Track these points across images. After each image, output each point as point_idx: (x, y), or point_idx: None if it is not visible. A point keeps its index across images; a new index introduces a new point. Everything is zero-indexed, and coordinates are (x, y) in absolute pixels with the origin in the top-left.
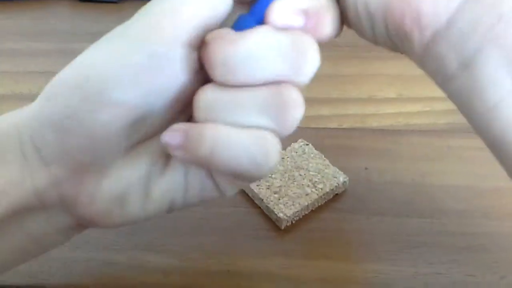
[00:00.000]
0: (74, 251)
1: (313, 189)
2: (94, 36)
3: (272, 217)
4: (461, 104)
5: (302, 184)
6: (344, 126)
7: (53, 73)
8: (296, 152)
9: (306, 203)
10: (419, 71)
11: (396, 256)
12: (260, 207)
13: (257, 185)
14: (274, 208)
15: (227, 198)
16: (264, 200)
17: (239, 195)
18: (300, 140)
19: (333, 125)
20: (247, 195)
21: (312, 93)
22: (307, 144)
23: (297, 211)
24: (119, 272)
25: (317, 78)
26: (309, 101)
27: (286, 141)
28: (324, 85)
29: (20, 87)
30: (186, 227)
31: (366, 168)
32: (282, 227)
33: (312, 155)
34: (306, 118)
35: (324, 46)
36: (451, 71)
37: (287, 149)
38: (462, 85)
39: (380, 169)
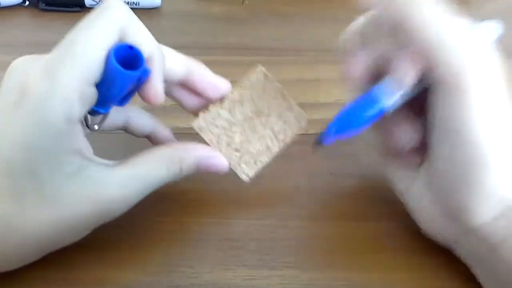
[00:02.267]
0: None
1: (274, 141)
2: None
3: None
4: None
5: (264, 136)
6: (311, 131)
7: None
8: (255, 90)
9: (267, 159)
10: None
11: (365, 262)
12: None
13: (217, 142)
14: (237, 169)
15: None
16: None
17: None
18: (258, 68)
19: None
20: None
21: None
22: (266, 76)
23: (259, 170)
24: None
25: (283, 83)
26: None
27: (240, 68)
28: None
29: None
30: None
31: (331, 173)
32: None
33: (273, 93)
34: None
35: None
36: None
37: (244, 82)
38: None
39: (346, 174)
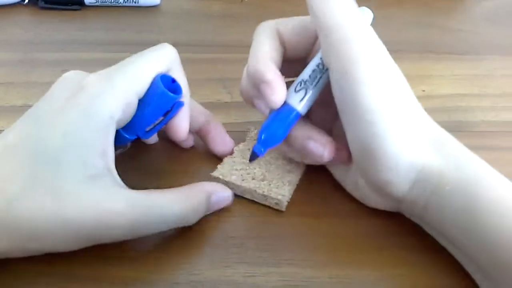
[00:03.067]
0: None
1: (293, 165)
2: (56, 45)
3: (270, 203)
4: None
5: (278, 165)
6: None
7: (13, 84)
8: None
9: (297, 177)
10: None
11: (364, 259)
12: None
13: (242, 180)
14: (271, 193)
15: None
16: (258, 190)
17: None
18: (251, 128)
19: None
20: None
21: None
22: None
23: (290, 188)
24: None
25: None
26: None
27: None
28: None
29: None
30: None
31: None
32: (284, 209)
33: None
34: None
35: None
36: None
37: (246, 140)
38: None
39: None
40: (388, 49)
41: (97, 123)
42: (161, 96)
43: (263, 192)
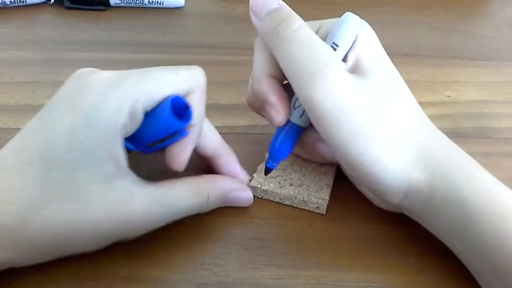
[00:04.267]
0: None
1: (326, 167)
2: (82, 45)
3: (310, 208)
4: None
5: (313, 168)
6: None
7: (40, 83)
8: None
9: (331, 179)
10: None
11: (391, 263)
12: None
13: (281, 187)
14: (311, 197)
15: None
16: (298, 196)
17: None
18: None
19: None
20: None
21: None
22: None
23: (328, 191)
24: None
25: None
26: None
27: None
28: None
29: (6, 98)
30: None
31: None
32: (324, 212)
33: None
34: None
35: None
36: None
37: None
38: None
39: None
40: (409, 54)
41: (102, 128)
42: (165, 120)
43: (303, 197)
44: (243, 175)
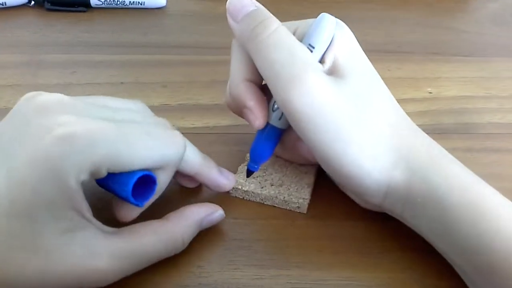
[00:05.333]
0: None
1: (308, 166)
2: (63, 47)
3: (291, 208)
4: None
5: (294, 167)
6: None
7: (20, 86)
8: None
9: (312, 179)
10: None
11: (372, 261)
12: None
13: (261, 188)
14: (291, 197)
15: None
16: (278, 196)
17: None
18: None
19: None
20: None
21: None
22: None
23: (309, 190)
24: None
25: None
26: None
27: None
28: None
29: None
30: None
31: None
32: (305, 211)
33: None
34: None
35: None
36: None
37: None
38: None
39: None
40: (392, 51)
41: (63, 183)
42: (124, 193)
43: (284, 197)
44: (227, 182)
